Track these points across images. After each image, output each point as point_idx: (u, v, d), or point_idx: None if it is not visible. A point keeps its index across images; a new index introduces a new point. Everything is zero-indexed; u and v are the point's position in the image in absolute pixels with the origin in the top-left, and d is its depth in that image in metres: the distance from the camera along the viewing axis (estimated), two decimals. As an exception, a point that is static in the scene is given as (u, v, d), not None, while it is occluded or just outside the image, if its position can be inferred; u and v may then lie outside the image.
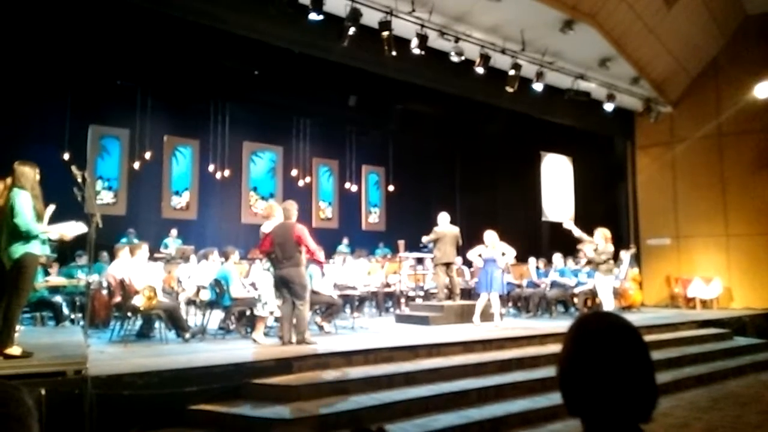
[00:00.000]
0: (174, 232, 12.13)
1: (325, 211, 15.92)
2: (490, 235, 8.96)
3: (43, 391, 4.01)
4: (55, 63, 10.39)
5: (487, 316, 8.77)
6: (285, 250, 6.48)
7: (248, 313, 7.58)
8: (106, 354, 5.89)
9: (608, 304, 8.38)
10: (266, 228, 6.80)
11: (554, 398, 5.34)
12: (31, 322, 8.16)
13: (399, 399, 5.19)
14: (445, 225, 9.46)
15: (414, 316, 9.10)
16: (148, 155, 12.51)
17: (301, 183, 14.82)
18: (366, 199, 16.58)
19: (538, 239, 14.41)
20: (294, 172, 14.77)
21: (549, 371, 6.11)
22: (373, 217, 16.75)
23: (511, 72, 9.91)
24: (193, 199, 13.70)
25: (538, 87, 10.45)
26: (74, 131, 11.55)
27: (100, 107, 12.09)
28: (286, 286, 6.50)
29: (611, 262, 8.54)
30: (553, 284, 10.99)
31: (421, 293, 11.06)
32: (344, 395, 5.25)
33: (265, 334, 6.95)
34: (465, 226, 9.56)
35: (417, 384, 5.68)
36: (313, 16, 7.88)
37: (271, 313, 6.95)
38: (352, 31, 8.22)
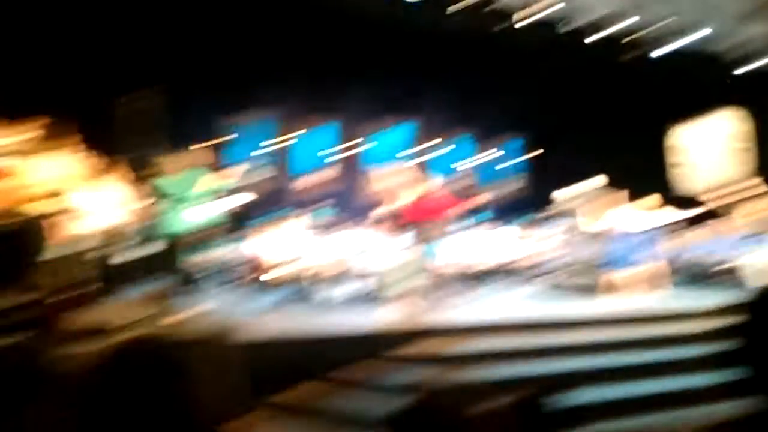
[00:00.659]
0: (313, 206, 12.67)
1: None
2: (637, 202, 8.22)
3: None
4: (208, 55, 11.31)
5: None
6: (421, 222, 6.56)
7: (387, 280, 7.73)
8: (256, 320, 6.37)
9: None
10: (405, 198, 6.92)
11: (714, 377, 4.82)
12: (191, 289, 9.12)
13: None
14: (587, 192, 8.88)
15: (558, 287, 8.71)
16: (290, 135, 13.19)
17: (435, 153, 14.66)
18: (506, 166, 16.02)
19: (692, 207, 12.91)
20: (429, 144, 14.66)
21: (706, 348, 5.51)
22: (513, 185, 16.17)
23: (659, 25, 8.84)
24: (331, 174, 14.25)
25: (687, 42, 9.21)
26: (227, 116, 12.57)
27: (249, 93, 12.87)
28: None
29: None
30: (711, 255, 9.81)
31: (565, 263, 10.49)
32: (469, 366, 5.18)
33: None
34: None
35: (556, 359, 5.44)
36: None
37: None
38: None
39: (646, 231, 8.05)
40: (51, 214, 4.89)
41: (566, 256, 10.64)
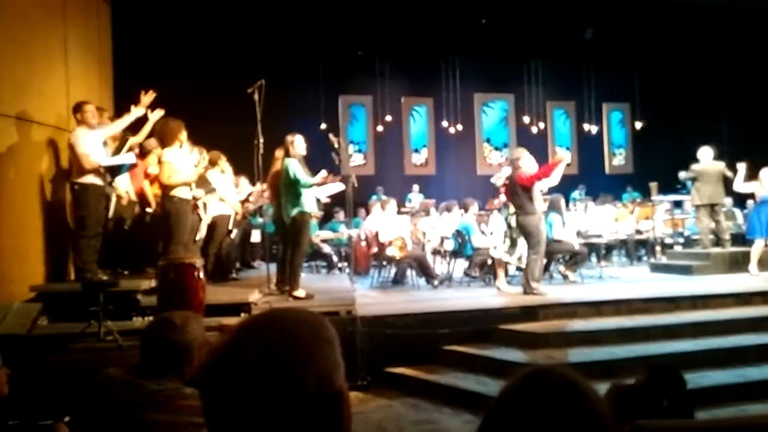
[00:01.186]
0: (416, 187, 12.89)
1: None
2: (765, 173, 7.55)
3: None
4: (306, 43, 11.71)
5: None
6: (515, 200, 6.41)
7: (489, 261, 7.74)
8: (369, 297, 6.65)
9: None
10: (503, 174, 6.85)
11: None
12: (308, 270, 9.61)
13: (658, 352, 4.80)
14: (706, 160, 8.23)
15: (673, 266, 8.22)
16: (388, 118, 13.46)
17: (535, 129, 14.32)
18: (609, 140, 15.31)
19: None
20: (527, 119, 14.34)
21: None
22: (617, 160, 15.42)
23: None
24: (431, 155, 14.34)
25: None
26: (327, 102, 12.98)
27: (347, 78, 13.31)
28: (522, 233, 6.43)
29: None
30: None
31: (681, 240, 9.91)
32: (595, 345, 5.07)
33: (508, 283, 7.03)
34: (735, 161, 8.14)
35: (679, 338, 5.18)
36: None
37: (509, 263, 6.96)
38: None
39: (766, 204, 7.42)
40: (196, 198, 5.33)
41: (687, 230, 10.02)
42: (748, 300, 6.01)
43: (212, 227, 6.40)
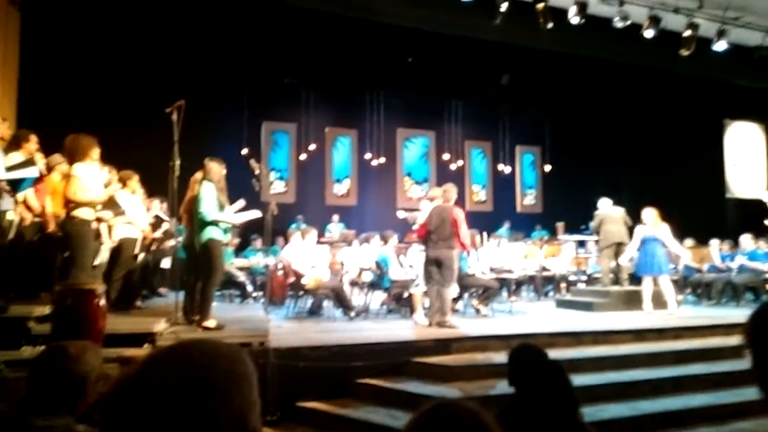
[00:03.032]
0: (336, 217, 12.90)
1: (479, 194, 15.78)
2: (649, 213, 8.21)
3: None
4: (231, 68, 11.57)
5: (660, 303, 8.06)
6: (441, 232, 6.55)
7: (406, 294, 7.83)
8: (284, 328, 6.49)
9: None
10: (423, 208, 6.99)
11: (744, 394, 4.81)
12: (220, 299, 9.28)
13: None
14: (606, 208, 8.88)
15: (576, 302, 8.68)
16: (312, 147, 13.47)
17: (453, 166, 14.84)
18: (521, 180, 16.12)
19: (721, 219, 12.88)
20: (446, 156, 14.84)
21: (737, 364, 5.46)
22: (528, 199, 16.24)
23: (687, 33, 8.93)
24: (353, 186, 14.44)
25: (719, 47, 9.28)
26: (250, 128, 12.80)
27: (271, 105, 13.23)
28: (437, 266, 6.56)
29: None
30: (741, 269, 9.76)
31: (584, 278, 10.51)
32: (504, 378, 5.20)
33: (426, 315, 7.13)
34: (633, 207, 8.83)
35: (582, 372, 5.42)
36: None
37: (425, 293, 7.09)
38: (504, 7, 8.00)
39: (651, 242, 8.06)
40: (101, 220, 5.00)
41: (590, 268, 10.64)
42: (642, 336, 6.44)
43: (118, 251, 6.04)
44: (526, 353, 2.76)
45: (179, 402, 0.70)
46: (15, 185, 5.01)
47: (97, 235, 5.20)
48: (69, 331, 3.76)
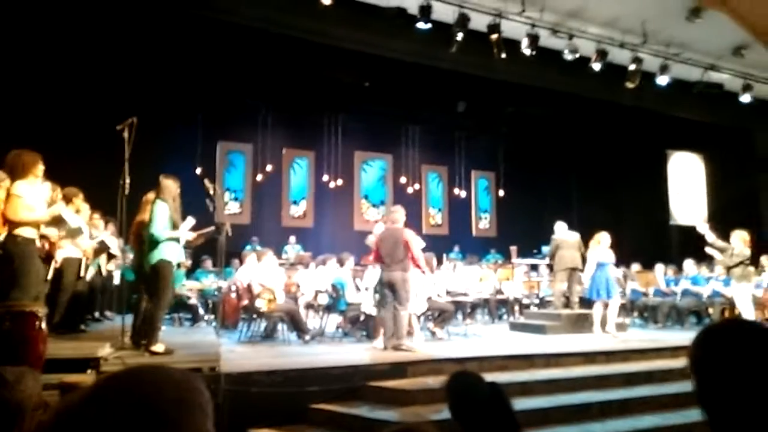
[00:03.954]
0: (293, 239, 12.77)
1: (435, 217, 15.96)
2: (604, 237, 8.48)
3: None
4: (187, 86, 11.41)
5: (607, 325, 8.29)
6: (393, 254, 6.55)
7: (362, 318, 7.78)
8: (236, 353, 6.32)
9: (748, 315, 7.59)
10: (376, 231, 6.98)
11: (689, 415, 4.96)
12: (170, 322, 8.98)
13: (515, 409, 5.04)
14: (562, 232, 9.10)
15: (529, 325, 8.82)
16: (269, 168, 13.35)
17: (410, 190, 14.99)
18: (476, 204, 16.40)
19: (665, 244, 13.44)
20: (403, 180, 14.98)
21: (682, 386, 5.65)
22: (483, 223, 16.52)
23: (632, 66, 9.40)
24: (309, 208, 14.36)
25: (662, 81, 9.80)
26: (205, 147, 12.60)
27: (227, 125, 13.09)
28: (391, 289, 6.54)
29: (749, 267, 7.74)
30: (685, 293, 10.16)
31: (536, 301, 10.71)
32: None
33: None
34: (583, 232, 9.11)
35: (534, 395, 5.50)
36: (421, 25, 7.98)
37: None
38: (460, 36, 8.22)
39: (603, 266, 8.32)
40: (44, 237, 4.77)
41: (542, 291, 10.86)
42: (592, 358, 6.58)
43: (61, 272, 5.78)
44: (463, 382, 2.75)
45: (125, 429, 0.67)
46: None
47: (47, 254, 4.94)
48: (6, 356, 3.56)
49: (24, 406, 1.84)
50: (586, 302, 9.32)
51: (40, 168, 4.88)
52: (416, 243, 6.69)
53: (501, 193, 15.93)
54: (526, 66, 9.22)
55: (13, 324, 3.80)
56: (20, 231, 4.67)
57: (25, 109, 9.62)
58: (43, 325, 3.92)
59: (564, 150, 15.66)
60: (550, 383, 5.73)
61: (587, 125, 14.07)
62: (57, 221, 5.26)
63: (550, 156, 15.74)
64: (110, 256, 7.32)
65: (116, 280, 8.12)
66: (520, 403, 5.19)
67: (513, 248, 11.04)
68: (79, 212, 6.35)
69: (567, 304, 9.01)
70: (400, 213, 6.83)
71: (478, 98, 13.07)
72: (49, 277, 5.48)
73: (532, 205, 15.15)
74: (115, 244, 7.13)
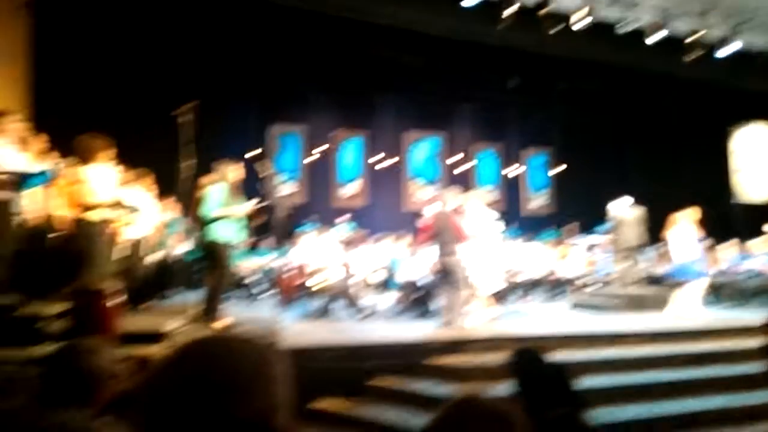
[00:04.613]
0: (347, 217, 12.84)
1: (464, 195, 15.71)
2: (691, 214, 7.99)
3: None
4: (241, 70, 11.61)
5: (683, 306, 7.92)
6: (443, 236, 6.52)
7: (417, 295, 7.79)
8: (294, 329, 6.45)
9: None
10: (428, 210, 6.95)
11: (756, 396, 4.76)
12: (231, 299, 9.25)
13: (577, 388, 4.94)
14: (623, 209, 8.78)
15: (589, 304, 8.60)
16: (321, 149, 13.49)
17: (461, 169, 14.80)
18: (530, 182, 16.05)
19: (728, 223, 12.76)
20: (455, 158, 14.81)
21: (749, 367, 5.39)
22: (538, 201, 16.16)
23: (691, 38, 8.85)
24: (362, 188, 14.44)
25: (725, 52, 9.18)
26: (259, 130, 12.84)
27: (280, 107, 13.27)
28: (444, 270, 6.52)
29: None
30: (750, 272, 9.66)
31: (597, 279, 10.43)
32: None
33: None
34: (644, 205, 8.75)
35: (595, 374, 5.37)
36: (467, 2, 7.80)
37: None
38: (508, 12, 7.98)
39: (694, 245, 7.89)
40: (111, 221, 4.98)
41: (606, 270, 10.55)
42: (658, 338, 6.36)
43: (130, 251, 6.04)
44: (526, 358, 2.73)
45: (200, 397, 0.70)
46: (22, 182, 5.01)
47: (113, 235, 5.16)
48: (81, 330, 3.76)
49: (100, 375, 1.93)
50: (653, 281, 8.98)
51: (107, 152, 5.07)
52: (467, 222, 6.60)
53: (557, 169, 15.50)
54: (578, 40, 8.88)
55: (86, 301, 4.01)
56: (87, 214, 4.89)
57: (94, 95, 10.03)
58: (114, 302, 4.12)
59: (621, 125, 15.04)
60: (613, 362, 5.59)
61: (645, 99, 13.44)
62: (122, 205, 5.48)
63: (606, 131, 15.15)
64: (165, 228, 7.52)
65: (180, 258, 8.44)
66: (582, 382, 5.08)
67: (571, 225, 10.76)
68: (147, 193, 6.59)
69: (631, 283, 8.71)
70: (449, 195, 6.78)
71: (530, 74, 12.71)
72: (118, 256, 5.73)
73: (590, 182, 14.64)
74: (153, 214, 7.33)
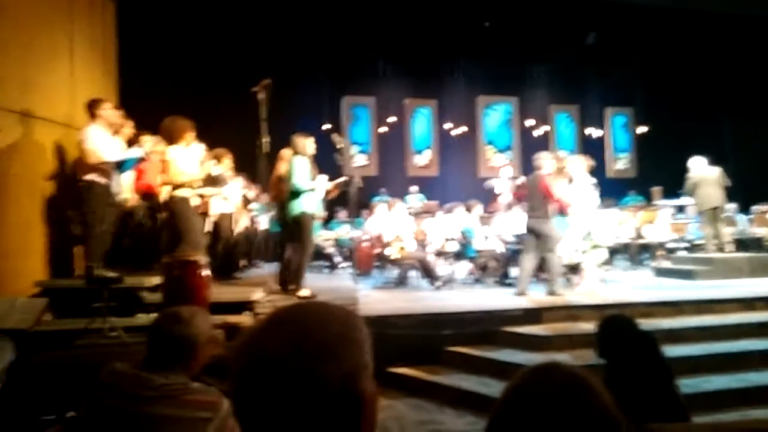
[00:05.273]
0: (415, 189, 12.84)
1: (566, 159, 15.15)
2: None
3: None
4: (310, 44, 11.72)
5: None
6: (533, 201, 6.48)
7: (492, 264, 7.74)
8: (372, 298, 6.64)
9: None
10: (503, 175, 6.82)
11: None
12: (310, 270, 9.58)
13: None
14: (700, 168, 8.25)
15: (676, 270, 8.20)
16: (392, 119, 13.47)
17: (538, 132, 14.34)
18: (612, 144, 15.31)
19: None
20: (530, 122, 14.35)
21: None
22: (620, 163, 15.42)
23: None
24: (434, 157, 14.35)
25: None
26: (331, 103, 13.00)
27: (350, 79, 13.33)
28: (534, 236, 6.46)
29: None
30: None
31: (684, 244, 9.90)
32: (598, 348, 5.06)
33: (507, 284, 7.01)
34: (737, 167, 8.15)
35: (682, 342, 5.17)
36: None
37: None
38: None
39: None
40: (202, 196, 5.30)
41: (690, 234, 10.01)
42: (751, 305, 6.00)
43: (217, 225, 6.40)
44: (616, 325, 2.66)
45: (291, 358, 0.74)
46: (119, 166, 5.40)
47: (203, 210, 5.45)
48: (177, 299, 4.04)
49: (198, 340, 2.09)
50: (743, 245, 8.42)
51: (191, 134, 5.34)
52: (559, 187, 6.52)
53: (641, 129, 14.66)
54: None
55: (181, 272, 4.30)
56: (178, 191, 5.21)
57: (173, 77, 10.53)
58: (206, 272, 4.40)
59: (713, 79, 13.90)
60: (702, 330, 5.36)
61: (742, 50, 12.32)
62: (208, 180, 5.78)
63: (697, 87, 14.07)
64: (246, 203, 7.86)
65: (264, 231, 8.80)
66: (668, 351, 4.90)
67: (656, 189, 10.22)
68: (228, 171, 6.91)
69: (721, 247, 8.21)
70: (544, 160, 6.70)
71: (611, 28, 11.97)
72: (207, 230, 6.08)
73: (677, 142, 13.71)
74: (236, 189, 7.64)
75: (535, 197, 6.46)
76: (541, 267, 6.58)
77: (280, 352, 0.74)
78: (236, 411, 0.78)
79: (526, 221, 6.60)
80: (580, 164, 6.88)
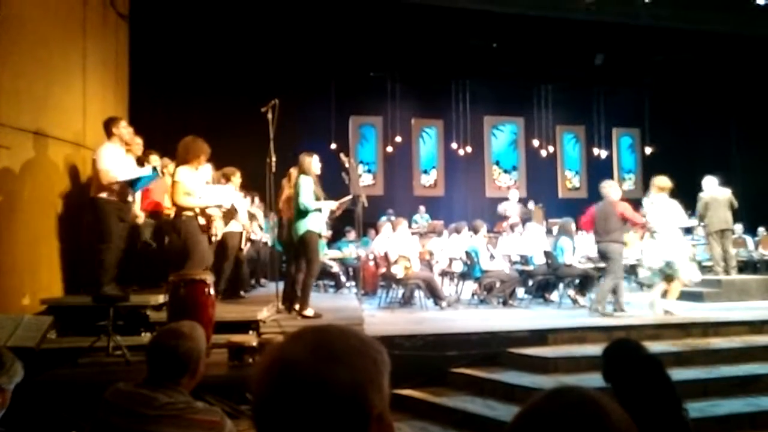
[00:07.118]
0: (422, 209, 12.86)
1: (572, 180, 15.16)
2: None
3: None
4: (318, 63, 11.87)
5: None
6: (605, 227, 6.71)
7: (497, 284, 7.71)
8: (377, 318, 6.62)
9: None
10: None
11: None
12: (315, 288, 9.58)
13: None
14: (712, 189, 8.24)
15: (684, 292, 8.11)
16: (399, 139, 13.55)
17: (544, 153, 14.36)
18: (618, 164, 15.30)
19: None
20: (536, 143, 14.39)
21: None
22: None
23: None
24: (440, 177, 14.39)
25: None
26: (338, 122, 13.10)
27: (358, 99, 13.45)
28: (603, 259, 6.76)
29: None
30: None
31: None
32: (605, 371, 5.00)
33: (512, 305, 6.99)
34: (745, 188, 8.14)
35: (690, 365, 5.11)
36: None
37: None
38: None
39: None
40: (208, 216, 5.32)
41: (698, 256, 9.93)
42: (760, 328, 5.94)
43: (224, 244, 6.42)
44: (623, 349, 2.64)
45: (310, 362, 0.76)
46: (133, 184, 5.44)
47: (208, 229, 5.44)
48: (182, 318, 4.04)
49: (198, 355, 2.12)
50: (751, 266, 8.36)
51: (204, 156, 5.32)
52: (629, 211, 6.81)
53: (648, 150, 14.66)
54: (674, 6, 8.31)
55: (187, 290, 4.32)
56: (185, 211, 5.24)
57: (182, 96, 10.67)
58: (212, 291, 4.41)
59: (721, 99, 13.92)
60: (710, 354, 5.30)
61: (750, 69, 12.35)
62: (219, 201, 5.80)
63: (704, 107, 14.10)
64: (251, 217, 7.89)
65: (269, 250, 8.81)
66: (676, 374, 4.84)
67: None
68: (237, 189, 6.95)
69: (728, 269, 8.16)
70: (610, 188, 7.01)
71: (618, 49, 12.04)
72: (213, 249, 6.11)
73: (685, 163, 13.71)
74: (247, 213, 7.67)
75: (608, 223, 6.67)
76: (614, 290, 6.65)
77: (296, 356, 0.77)
78: (254, 410, 0.79)
79: (597, 245, 6.86)
80: (659, 186, 6.98)
